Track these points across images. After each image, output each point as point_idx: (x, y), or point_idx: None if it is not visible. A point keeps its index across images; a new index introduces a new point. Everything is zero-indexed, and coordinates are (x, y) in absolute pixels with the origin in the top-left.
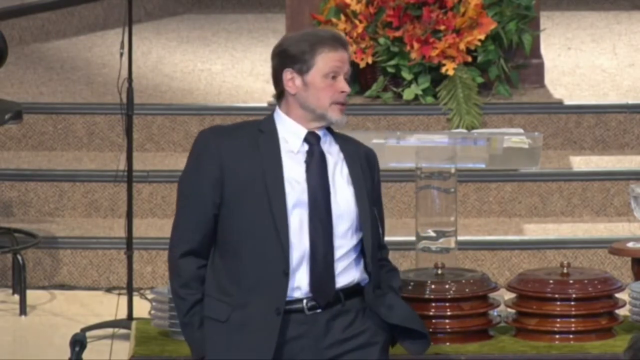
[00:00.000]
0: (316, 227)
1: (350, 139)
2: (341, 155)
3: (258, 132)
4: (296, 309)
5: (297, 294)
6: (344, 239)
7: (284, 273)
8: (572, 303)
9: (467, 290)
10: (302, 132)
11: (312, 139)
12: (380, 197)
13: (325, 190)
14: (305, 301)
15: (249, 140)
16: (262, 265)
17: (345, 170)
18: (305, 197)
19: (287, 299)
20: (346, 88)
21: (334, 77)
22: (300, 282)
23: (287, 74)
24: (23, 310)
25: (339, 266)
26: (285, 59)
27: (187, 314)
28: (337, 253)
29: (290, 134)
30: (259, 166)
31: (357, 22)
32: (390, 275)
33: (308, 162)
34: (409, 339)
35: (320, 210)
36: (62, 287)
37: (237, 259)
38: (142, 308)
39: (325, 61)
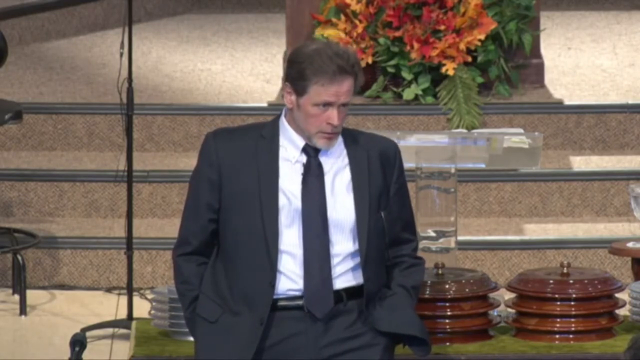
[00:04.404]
0: (311, 241)
1: (366, 136)
2: (346, 161)
3: (260, 137)
4: (295, 306)
5: (296, 293)
6: (343, 246)
7: (270, 284)
8: (572, 303)
9: (467, 290)
10: (301, 142)
11: (310, 150)
12: (402, 190)
13: (321, 205)
14: (304, 299)
15: (250, 145)
16: (251, 274)
17: (347, 176)
18: (300, 210)
19: (286, 296)
20: (334, 121)
21: (324, 106)
22: (299, 285)
23: (287, 88)
24: (23, 310)
25: (337, 270)
26: (288, 73)
27: (188, 309)
28: (336, 259)
29: (290, 143)
30: (255, 174)
31: (357, 22)
32: (406, 273)
33: (304, 176)
34: (409, 343)
35: (316, 225)
36: (62, 287)
37: (232, 265)
38: (142, 308)
39: (319, 93)
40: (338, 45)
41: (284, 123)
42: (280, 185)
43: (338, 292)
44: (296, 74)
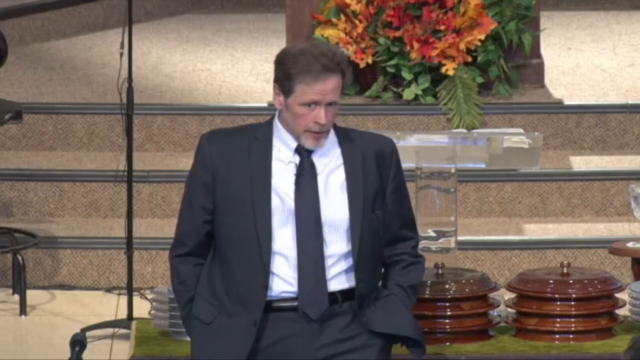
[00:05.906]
0: (305, 242)
1: (362, 134)
2: (340, 160)
3: (253, 138)
4: (289, 308)
5: (290, 294)
6: (337, 246)
7: (264, 286)
8: (572, 303)
9: (467, 290)
10: (294, 143)
11: (303, 151)
12: (400, 188)
13: (315, 205)
14: (298, 300)
15: (243, 147)
16: (245, 276)
17: (341, 176)
18: (294, 211)
19: (281, 297)
20: (321, 120)
21: (310, 105)
22: (293, 287)
23: (275, 89)
24: (23, 310)
25: (332, 272)
26: (275, 74)
27: (184, 309)
28: (330, 260)
29: (283, 144)
30: (248, 176)
31: (357, 22)
32: (404, 272)
33: (297, 176)
34: (406, 343)
35: (309, 225)
36: (62, 287)
37: (227, 266)
38: (142, 308)
39: (304, 91)
40: (326, 45)
41: (277, 124)
42: (274, 186)
43: (333, 294)
44: (282, 75)
